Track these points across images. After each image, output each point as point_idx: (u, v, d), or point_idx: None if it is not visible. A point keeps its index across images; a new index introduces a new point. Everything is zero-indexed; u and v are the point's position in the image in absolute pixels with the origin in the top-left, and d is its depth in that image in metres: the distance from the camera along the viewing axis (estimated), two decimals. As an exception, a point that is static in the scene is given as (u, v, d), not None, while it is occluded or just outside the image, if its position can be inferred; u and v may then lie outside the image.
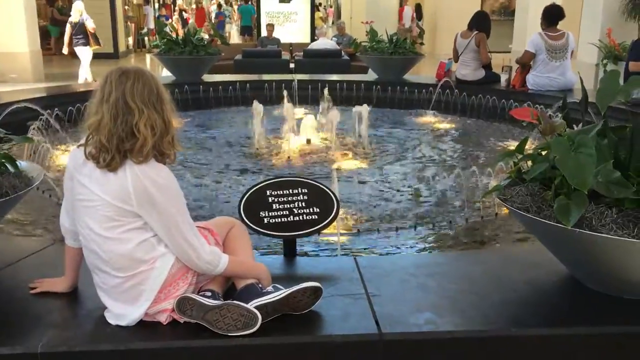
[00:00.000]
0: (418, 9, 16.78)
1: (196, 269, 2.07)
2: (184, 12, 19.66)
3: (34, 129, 5.39)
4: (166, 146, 2.01)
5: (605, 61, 7.97)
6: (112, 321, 2.05)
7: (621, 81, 2.40)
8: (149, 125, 1.95)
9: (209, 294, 2.08)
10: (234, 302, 2.00)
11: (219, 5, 25.10)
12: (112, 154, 1.94)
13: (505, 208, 2.42)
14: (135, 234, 1.99)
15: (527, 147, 2.49)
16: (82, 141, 2.02)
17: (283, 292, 2.05)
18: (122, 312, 2.04)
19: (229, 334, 1.95)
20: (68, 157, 2.10)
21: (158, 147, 1.99)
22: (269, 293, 2.08)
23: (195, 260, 2.04)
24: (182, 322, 2.04)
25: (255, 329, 1.95)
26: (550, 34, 6.95)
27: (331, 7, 25.22)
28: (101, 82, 2.00)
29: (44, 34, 15.34)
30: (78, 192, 2.03)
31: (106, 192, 1.96)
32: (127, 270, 2.00)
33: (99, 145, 1.95)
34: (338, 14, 24.82)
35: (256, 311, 1.96)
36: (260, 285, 2.16)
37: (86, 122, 2.01)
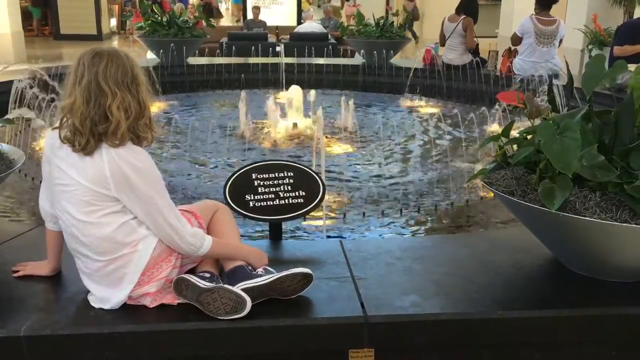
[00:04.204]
0: None
1: (180, 250, 2.06)
2: None
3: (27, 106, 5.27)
4: (142, 129, 1.98)
5: (590, 46, 7.99)
6: (96, 304, 2.04)
7: (607, 66, 2.40)
8: (123, 107, 1.92)
9: (207, 275, 2.08)
10: (225, 285, 2.00)
11: None
12: (86, 137, 1.91)
13: (490, 192, 2.43)
14: (114, 217, 1.97)
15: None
16: (57, 124, 1.99)
17: (270, 277, 2.04)
18: (106, 296, 2.03)
19: (219, 317, 1.96)
20: (45, 139, 2.06)
21: (134, 130, 1.95)
22: (258, 276, 2.08)
23: (178, 242, 2.03)
24: (175, 303, 2.03)
25: (244, 313, 1.95)
26: (541, 18, 6.96)
27: None
28: (74, 63, 1.96)
29: (26, 16, 15.06)
30: (55, 176, 2.00)
31: (83, 177, 1.93)
32: (109, 253, 1.99)
33: (73, 129, 1.92)
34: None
35: (245, 295, 1.95)
36: (249, 268, 2.15)
37: (60, 104, 1.97)
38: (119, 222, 1.98)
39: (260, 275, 2.08)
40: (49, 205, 2.12)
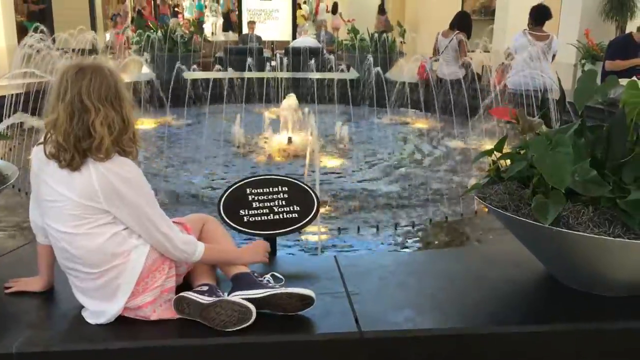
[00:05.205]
0: (334, 6, 19.47)
1: (173, 258, 2.06)
2: (142, 10, 18.92)
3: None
4: (126, 143, 1.98)
5: (583, 61, 8.07)
6: (91, 320, 2.03)
7: (599, 81, 2.42)
8: (106, 123, 1.92)
9: (205, 288, 2.07)
10: (225, 298, 2.01)
11: None
12: (71, 153, 1.91)
13: (484, 206, 2.44)
14: (105, 228, 1.97)
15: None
16: (42, 139, 1.99)
17: (268, 292, 2.04)
18: (100, 309, 2.02)
19: (227, 330, 1.96)
20: (32, 155, 2.05)
21: (118, 145, 1.96)
22: (262, 286, 2.08)
23: (170, 249, 2.03)
24: (176, 317, 2.03)
25: (250, 322, 1.95)
26: (534, 33, 7.01)
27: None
28: (57, 79, 1.96)
29: (21, 30, 15.09)
30: (43, 191, 2.00)
31: (72, 191, 1.93)
32: (101, 265, 1.98)
33: (57, 145, 1.93)
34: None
35: (249, 304, 1.96)
36: (255, 274, 2.15)
37: (44, 119, 1.98)
38: (110, 232, 1.97)
39: (264, 285, 2.09)
40: (40, 219, 2.11)
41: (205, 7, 25.43)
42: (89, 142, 1.91)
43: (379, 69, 8.63)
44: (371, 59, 8.57)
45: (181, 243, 2.05)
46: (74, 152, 1.91)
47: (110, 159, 1.93)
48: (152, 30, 8.56)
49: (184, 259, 2.09)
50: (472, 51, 7.78)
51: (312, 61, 9.69)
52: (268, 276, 2.18)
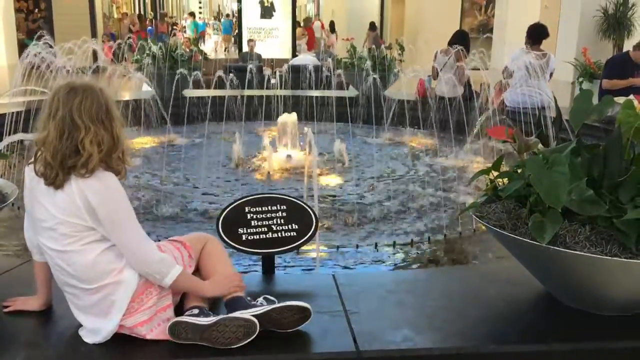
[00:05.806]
0: (331, 24, 19.77)
1: (145, 275, 2.01)
2: (131, 26, 18.84)
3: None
4: (115, 162, 2.00)
5: (581, 79, 8.13)
6: (88, 339, 2.02)
7: (596, 98, 2.44)
8: (96, 142, 1.94)
9: (196, 311, 2.06)
10: (229, 315, 2.00)
11: (191, 14, 25.11)
12: (55, 171, 1.93)
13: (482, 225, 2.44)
14: (96, 245, 1.98)
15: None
16: (33, 158, 2.01)
17: (265, 308, 2.04)
18: (96, 327, 2.02)
19: (231, 347, 1.95)
20: (25, 173, 2.07)
21: (107, 163, 1.98)
22: (256, 306, 2.08)
23: (144, 266, 1.99)
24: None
25: (254, 335, 1.96)
26: (532, 52, 7.07)
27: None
28: (49, 97, 1.99)
29: (22, 48, 15.19)
30: (36, 210, 2.02)
31: (60, 210, 1.95)
32: (95, 281, 1.98)
33: (45, 163, 1.95)
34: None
35: (253, 318, 1.96)
36: (248, 298, 2.15)
37: (35, 138, 2.00)
38: (101, 248, 1.99)
39: (258, 306, 2.08)
40: (35, 237, 2.12)
41: (208, 25, 25.72)
42: (75, 160, 1.93)
43: (378, 85, 8.70)
44: (370, 76, 8.62)
45: (156, 262, 2.01)
46: (59, 169, 1.93)
47: (93, 175, 1.94)
48: (148, 43, 8.63)
49: (156, 280, 2.01)
50: (474, 69, 7.83)
51: (312, 79, 9.76)
52: (261, 299, 2.17)
